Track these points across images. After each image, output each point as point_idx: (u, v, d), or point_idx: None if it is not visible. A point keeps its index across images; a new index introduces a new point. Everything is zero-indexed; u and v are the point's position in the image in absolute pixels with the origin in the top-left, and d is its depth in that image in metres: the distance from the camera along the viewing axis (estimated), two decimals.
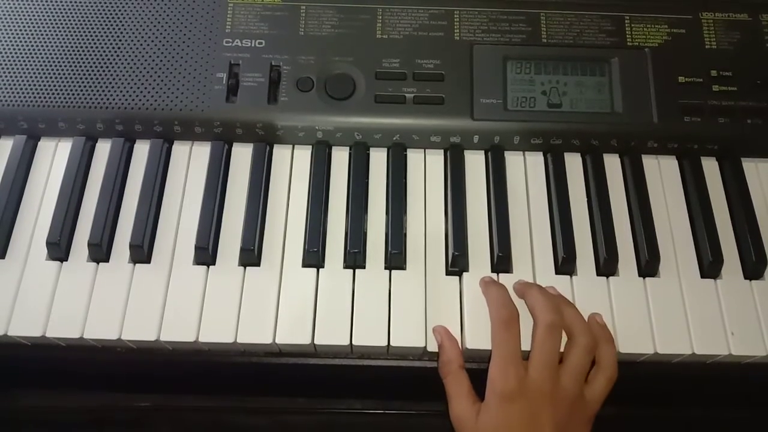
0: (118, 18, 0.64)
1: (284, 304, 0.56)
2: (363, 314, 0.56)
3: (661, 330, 0.56)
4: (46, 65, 0.62)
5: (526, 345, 0.54)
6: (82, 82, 0.62)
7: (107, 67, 0.62)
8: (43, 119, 0.62)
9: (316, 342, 0.55)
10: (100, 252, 0.57)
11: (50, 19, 0.64)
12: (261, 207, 0.60)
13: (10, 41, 0.63)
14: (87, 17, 0.64)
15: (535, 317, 0.54)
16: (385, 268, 0.58)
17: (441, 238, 0.59)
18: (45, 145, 0.63)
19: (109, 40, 0.63)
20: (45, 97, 0.61)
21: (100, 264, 0.58)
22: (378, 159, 0.63)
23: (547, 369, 0.52)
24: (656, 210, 0.60)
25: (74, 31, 0.63)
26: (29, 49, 0.63)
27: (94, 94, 0.61)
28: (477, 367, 0.54)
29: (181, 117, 0.61)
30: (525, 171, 0.63)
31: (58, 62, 0.62)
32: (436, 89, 0.62)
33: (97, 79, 0.62)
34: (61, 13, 0.64)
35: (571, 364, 0.53)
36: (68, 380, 0.62)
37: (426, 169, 0.62)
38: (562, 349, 0.54)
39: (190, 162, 0.62)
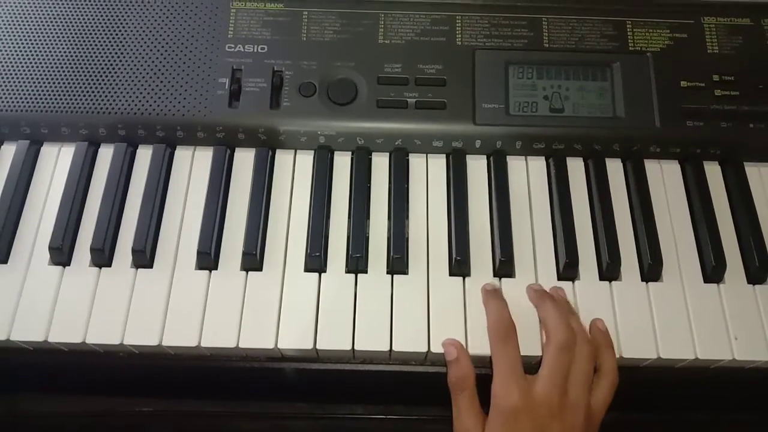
0: (121, 23, 0.64)
1: (286, 308, 0.56)
2: (365, 319, 0.56)
3: (664, 335, 0.56)
4: (48, 71, 0.62)
5: (526, 350, 0.54)
6: (85, 88, 0.62)
7: (110, 72, 0.62)
8: (46, 124, 0.62)
9: (318, 347, 0.55)
10: (103, 257, 0.58)
11: (53, 25, 0.64)
12: (263, 211, 0.60)
13: (13, 47, 0.63)
14: (89, 23, 0.64)
15: (547, 333, 0.54)
16: (387, 273, 0.58)
17: (443, 243, 0.59)
18: (48, 150, 0.63)
19: (111, 45, 0.63)
20: (48, 103, 0.62)
21: (103, 269, 0.58)
22: (380, 164, 0.63)
23: (555, 385, 0.51)
24: (659, 214, 0.60)
25: (77, 37, 0.63)
26: (32, 55, 0.63)
27: (97, 100, 0.62)
28: (479, 372, 0.54)
29: (184, 122, 0.61)
30: (527, 176, 0.63)
31: (61, 68, 0.62)
32: (438, 94, 0.62)
33: (99, 84, 0.62)
34: (64, 18, 0.64)
35: (575, 375, 0.52)
36: (70, 385, 0.62)
37: (428, 174, 0.62)
38: None
39: (193, 167, 0.63)
